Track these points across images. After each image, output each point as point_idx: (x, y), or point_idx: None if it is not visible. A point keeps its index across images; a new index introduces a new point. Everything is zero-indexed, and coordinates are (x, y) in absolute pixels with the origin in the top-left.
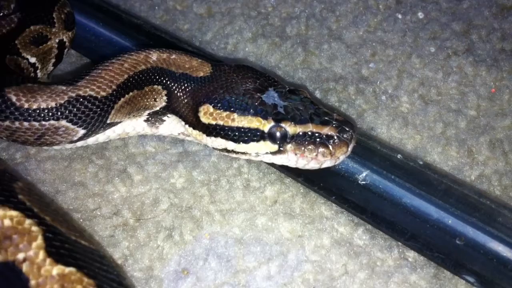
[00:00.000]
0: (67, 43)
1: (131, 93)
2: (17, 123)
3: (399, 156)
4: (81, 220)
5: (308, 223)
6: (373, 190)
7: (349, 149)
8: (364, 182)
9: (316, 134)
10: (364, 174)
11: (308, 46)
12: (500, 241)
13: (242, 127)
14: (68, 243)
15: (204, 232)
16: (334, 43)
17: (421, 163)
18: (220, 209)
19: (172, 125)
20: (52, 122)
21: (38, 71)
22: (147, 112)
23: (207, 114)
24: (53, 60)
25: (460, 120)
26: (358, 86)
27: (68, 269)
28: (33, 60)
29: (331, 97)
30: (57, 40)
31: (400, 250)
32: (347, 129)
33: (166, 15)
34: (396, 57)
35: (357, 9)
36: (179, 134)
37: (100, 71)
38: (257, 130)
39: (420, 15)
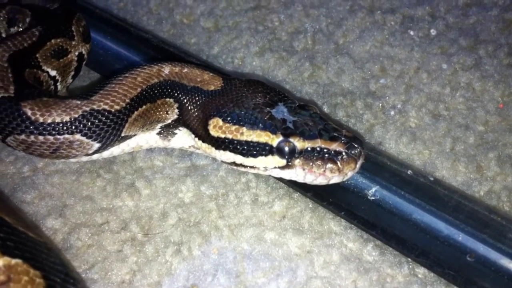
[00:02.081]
0: (85, 56)
1: (144, 107)
2: (32, 137)
3: (409, 172)
4: (89, 235)
5: (317, 239)
6: (382, 206)
7: (358, 165)
8: (373, 198)
9: (325, 150)
10: (373, 190)
11: (315, 60)
12: (511, 258)
13: (251, 141)
14: (14, 234)
15: (213, 247)
16: (341, 58)
17: (431, 179)
18: (228, 224)
19: (183, 138)
20: (66, 136)
21: (58, 83)
22: (160, 125)
23: (217, 127)
24: (72, 73)
25: (469, 135)
26: (366, 101)
27: (14, 261)
28: (53, 73)
29: (339, 111)
30: (76, 53)
31: (410, 266)
32: (355, 145)
33: (173, 29)
34: (404, 72)
35: (364, 24)
36: (189, 147)
37: (113, 85)
38: (265, 144)
39: (433, 31)
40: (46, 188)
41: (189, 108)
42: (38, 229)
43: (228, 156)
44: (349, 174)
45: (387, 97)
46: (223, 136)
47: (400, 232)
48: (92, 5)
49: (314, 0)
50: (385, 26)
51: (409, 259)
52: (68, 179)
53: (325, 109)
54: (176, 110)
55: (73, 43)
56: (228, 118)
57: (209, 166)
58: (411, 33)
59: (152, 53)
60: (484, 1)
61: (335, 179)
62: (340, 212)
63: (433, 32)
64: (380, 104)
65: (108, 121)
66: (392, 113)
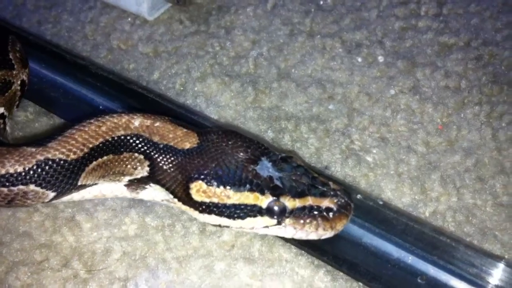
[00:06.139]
0: (26, 81)
1: (105, 157)
2: None
3: (358, 196)
4: (29, 274)
5: (268, 267)
6: None
7: (349, 219)
8: None
9: (315, 207)
10: None
11: (258, 85)
12: (461, 278)
13: (238, 204)
14: None
15: (161, 282)
16: (284, 82)
17: (381, 202)
18: (176, 256)
19: (155, 193)
20: (20, 187)
21: (6, 119)
22: (128, 178)
23: (200, 191)
24: (17, 103)
25: (411, 157)
26: (310, 125)
27: None
28: (1, 110)
29: (284, 136)
30: (19, 82)
31: None
32: (345, 199)
33: (110, 55)
34: (345, 96)
35: (304, 48)
36: (162, 200)
37: (74, 131)
38: (254, 206)
39: (380, 58)
40: None
41: (164, 168)
42: None
43: (213, 219)
44: (340, 229)
45: (331, 121)
46: (207, 200)
47: (351, 257)
48: (25, 31)
49: (254, 25)
50: (325, 50)
51: (361, 283)
52: (3, 215)
53: (270, 133)
54: (147, 168)
55: (14, 72)
56: (212, 181)
57: None
58: (350, 57)
59: (90, 80)
60: (419, 25)
61: (327, 235)
62: (290, 239)
63: (380, 59)
64: (324, 128)
65: (63, 170)
66: (336, 136)
